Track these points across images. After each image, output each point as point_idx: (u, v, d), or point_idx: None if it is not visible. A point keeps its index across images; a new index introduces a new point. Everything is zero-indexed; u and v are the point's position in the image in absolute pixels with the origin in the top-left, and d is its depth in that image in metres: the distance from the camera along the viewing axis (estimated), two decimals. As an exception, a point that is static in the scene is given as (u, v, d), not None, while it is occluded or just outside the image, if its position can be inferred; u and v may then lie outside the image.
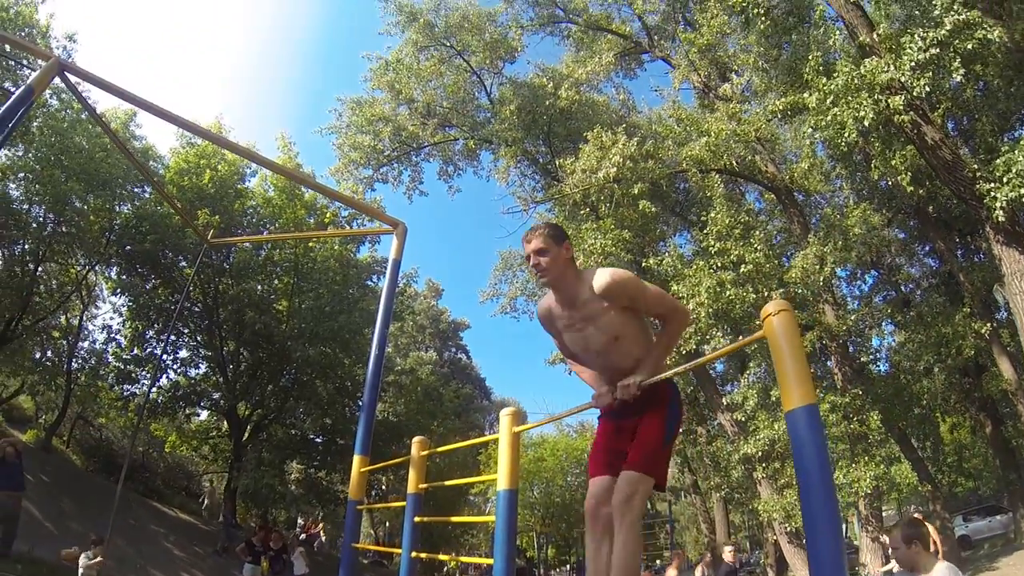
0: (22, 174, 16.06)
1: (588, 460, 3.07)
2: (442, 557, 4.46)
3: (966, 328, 13.51)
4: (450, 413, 28.33)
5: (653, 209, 15.94)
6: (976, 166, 10.39)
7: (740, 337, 15.65)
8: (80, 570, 7.50)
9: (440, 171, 21.10)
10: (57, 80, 6.36)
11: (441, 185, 21.51)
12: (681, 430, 20.89)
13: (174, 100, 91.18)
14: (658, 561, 29.53)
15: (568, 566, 42.09)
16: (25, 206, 16.60)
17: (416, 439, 4.97)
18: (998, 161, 9.82)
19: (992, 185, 9.76)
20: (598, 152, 15.13)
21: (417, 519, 4.75)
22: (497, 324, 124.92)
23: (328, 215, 20.20)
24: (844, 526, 27.45)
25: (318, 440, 23.24)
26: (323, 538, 13.70)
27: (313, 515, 15.20)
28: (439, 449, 5.70)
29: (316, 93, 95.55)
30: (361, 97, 19.86)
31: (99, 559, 7.73)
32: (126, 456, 14.17)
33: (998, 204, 9.50)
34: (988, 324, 13.86)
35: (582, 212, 16.72)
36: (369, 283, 22.03)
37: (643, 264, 16.28)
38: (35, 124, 15.34)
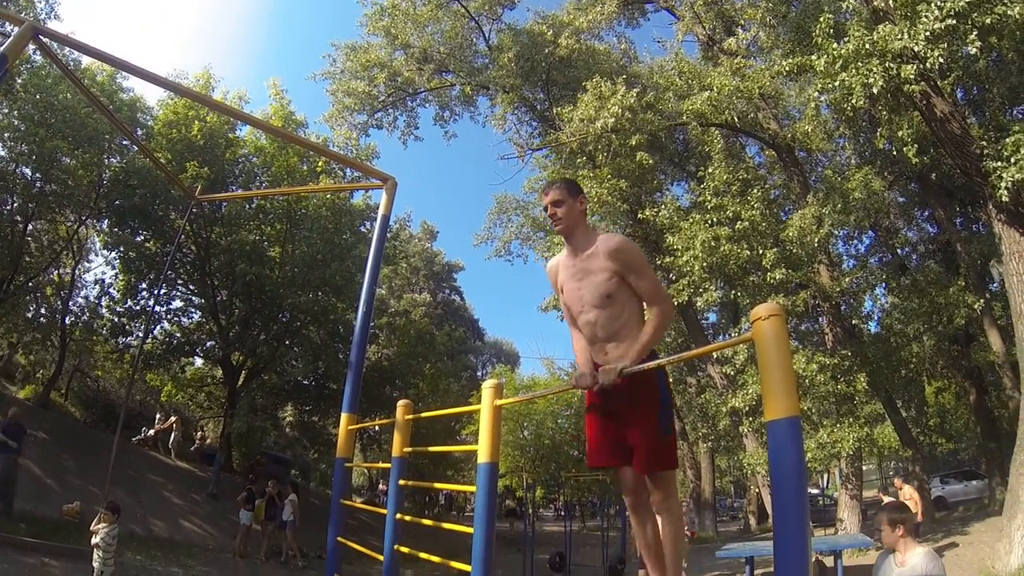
0: (7, 134, 15.58)
1: (591, 452, 3.21)
2: (426, 522, 4.61)
3: (959, 299, 13.54)
4: (442, 355, 28.38)
5: (651, 161, 15.74)
6: (984, 143, 10.19)
7: (733, 292, 15.73)
8: (99, 542, 7.30)
9: (436, 116, 20.78)
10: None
11: (437, 130, 21.10)
12: (671, 379, 21.31)
13: (162, 44, 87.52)
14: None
15: (555, 507, 43.18)
16: (12, 165, 16.19)
17: (401, 403, 4.92)
18: (1008, 140, 9.57)
19: (999, 164, 9.54)
20: (597, 102, 14.86)
21: (402, 482, 4.77)
22: (492, 267, 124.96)
23: (320, 163, 19.80)
24: (825, 477, 28.28)
25: (310, 385, 23.32)
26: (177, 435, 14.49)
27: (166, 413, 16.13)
28: (424, 415, 5.70)
29: (310, 38, 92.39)
30: (356, 43, 19.31)
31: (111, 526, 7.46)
32: (123, 407, 14.23)
33: (1003, 184, 9.32)
34: (981, 299, 13.88)
35: (579, 161, 16.55)
36: (363, 229, 21.63)
37: (639, 215, 16.15)
38: (19, 81, 14.80)
